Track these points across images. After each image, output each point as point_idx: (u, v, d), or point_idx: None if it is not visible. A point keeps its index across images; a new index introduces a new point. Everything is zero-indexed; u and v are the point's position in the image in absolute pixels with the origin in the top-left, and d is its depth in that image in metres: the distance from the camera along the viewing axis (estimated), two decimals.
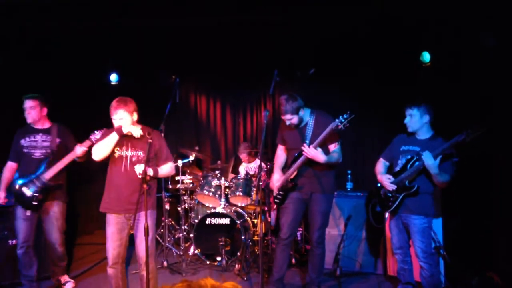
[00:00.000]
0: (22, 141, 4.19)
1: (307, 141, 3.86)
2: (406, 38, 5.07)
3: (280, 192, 4.08)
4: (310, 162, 3.83)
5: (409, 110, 3.75)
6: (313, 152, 3.71)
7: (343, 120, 3.56)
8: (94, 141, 3.86)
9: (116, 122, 3.46)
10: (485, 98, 4.26)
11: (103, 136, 3.57)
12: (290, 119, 3.88)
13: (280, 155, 4.28)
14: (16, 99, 4.37)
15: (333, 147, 3.95)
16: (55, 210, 4.23)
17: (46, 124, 4.29)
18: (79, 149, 4.02)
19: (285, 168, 4.17)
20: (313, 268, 4.12)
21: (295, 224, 4.06)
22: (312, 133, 3.90)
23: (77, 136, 4.30)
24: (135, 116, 3.56)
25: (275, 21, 5.02)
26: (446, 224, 4.33)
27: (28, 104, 4.18)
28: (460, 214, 4.43)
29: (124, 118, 3.44)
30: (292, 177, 3.99)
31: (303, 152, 3.77)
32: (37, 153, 4.17)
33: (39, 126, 4.26)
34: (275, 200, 4.15)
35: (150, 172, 3.41)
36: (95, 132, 3.94)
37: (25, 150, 4.17)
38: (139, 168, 3.36)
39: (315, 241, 4.03)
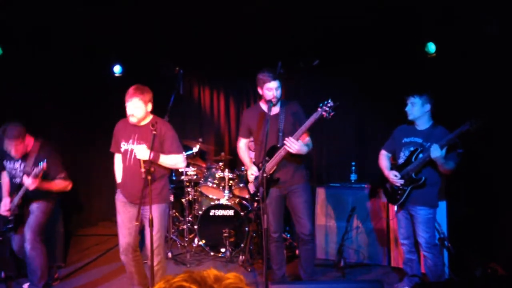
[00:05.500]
0: (6, 163, 4.00)
1: (280, 133, 3.73)
2: (411, 27, 5.01)
3: (260, 189, 3.69)
4: (287, 155, 3.69)
5: (411, 98, 3.71)
6: (298, 146, 3.54)
7: (327, 109, 3.41)
8: (43, 168, 3.57)
9: (130, 110, 3.39)
10: (489, 86, 4.23)
11: (115, 140, 3.63)
12: (276, 88, 3.67)
13: (244, 149, 4.12)
14: (17, 92, 4.29)
15: (306, 136, 3.77)
16: (34, 208, 3.98)
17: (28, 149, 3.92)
18: (27, 181, 3.66)
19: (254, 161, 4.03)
20: (308, 264, 4.04)
21: (281, 220, 4.04)
22: (284, 122, 3.76)
23: (81, 129, 4.20)
24: (150, 107, 3.48)
25: (278, 10, 4.97)
26: (451, 210, 4.31)
27: (11, 144, 3.74)
28: (465, 201, 4.41)
29: (139, 107, 3.38)
30: (271, 171, 3.81)
31: (285, 147, 3.59)
32: (18, 179, 3.96)
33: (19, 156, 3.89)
34: (255, 198, 4.03)
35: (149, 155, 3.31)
36: (40, 164, 3.60)
37: (8, 173, 4.04)
38: (140, 151, 3.35)
39: (309, 234, 3.90)
